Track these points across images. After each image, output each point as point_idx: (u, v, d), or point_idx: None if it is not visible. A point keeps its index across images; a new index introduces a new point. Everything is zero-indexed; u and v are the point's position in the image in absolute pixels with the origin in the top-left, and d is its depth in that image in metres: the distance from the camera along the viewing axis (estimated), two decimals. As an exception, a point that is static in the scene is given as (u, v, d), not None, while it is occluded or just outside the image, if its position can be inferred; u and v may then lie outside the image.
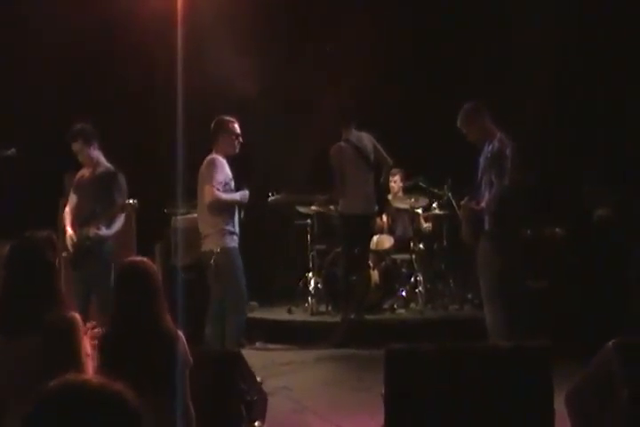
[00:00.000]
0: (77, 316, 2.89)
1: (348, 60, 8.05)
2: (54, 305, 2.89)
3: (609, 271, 6.19)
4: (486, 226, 4.94)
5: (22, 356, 2.78)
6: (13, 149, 4.95)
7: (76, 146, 5.31)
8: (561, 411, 3.43)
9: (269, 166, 7.95)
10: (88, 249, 5.12)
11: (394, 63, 8.11)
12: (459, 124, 5.11)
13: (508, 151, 4.91)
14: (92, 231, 5.12)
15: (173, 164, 5.72)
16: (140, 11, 7.07)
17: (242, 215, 5.43)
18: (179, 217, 6.67)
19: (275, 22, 7.99)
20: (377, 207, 6.89)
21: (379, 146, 6.73)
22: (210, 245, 5.26)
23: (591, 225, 6.56)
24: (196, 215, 6.67)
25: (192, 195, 5.87)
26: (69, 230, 5.21)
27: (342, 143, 6.66)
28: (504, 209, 4.91)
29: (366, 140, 6.72)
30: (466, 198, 5.15)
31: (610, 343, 3.28)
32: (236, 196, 5.34)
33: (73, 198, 5.40)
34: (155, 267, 3.02)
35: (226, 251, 5.20)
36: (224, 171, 5.30)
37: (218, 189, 5.21)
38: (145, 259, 3.03)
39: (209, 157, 5.36)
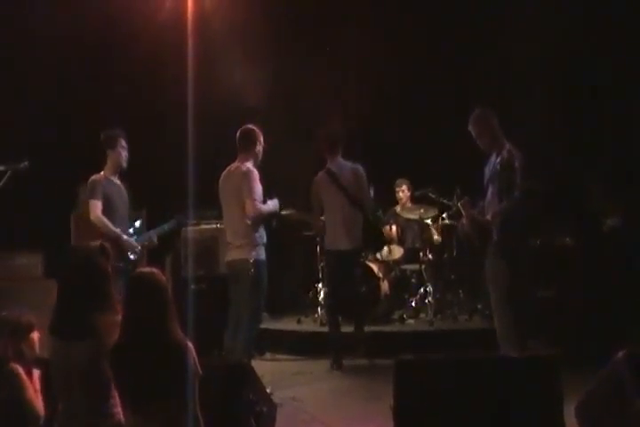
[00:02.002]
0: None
1: (360, 70, 8.09)
2: (106, 309, 3.07)
3: (619, 281, 6.16)
4: (494, 238, 4.92)
5: (77, 358, 3.00)
6: (26, 162, 4.97)
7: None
8: (571, 422, 3.41)
9: (280, 175, 7.97)
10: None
11: (405, 73, 8.13)
12: (469, 127, 5.13)
13: (516, 163, 4.90)
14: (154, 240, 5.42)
15: (184, 174, 5.75)
16: (151, 19, 7.14)
17: (274, 224, 5.45)
18: (189, 228, 6.69)
19: (285, 30, 8.03)
20: (359, 243, 6.15)
21: (363, 180, 6.13)
22: (240, 254, 5.21)
23: (601, 235, 6.54)
24: (206, 226, 6.73)
25: (202, 206, 5.89)
26: (127, 238, 5.28)
27: (321, 173, 6.22)
28: (512, 222, 4.88)
29: (348, 170, 6.14)
30: (465, 198, 5.14)
31: (621, 354, 3.27)
32: (271, 206, 5.36)
33: (117, 205, 5.39)
34: (165, 278, 3.04)
35: (258, 263, 5.17)
36: (259, 183, 5.28)
37: (260, 202, 5.21)
38: (155, 270, 3.05)
39: (244, 169, 5.27)
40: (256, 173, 5.28)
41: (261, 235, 5.26)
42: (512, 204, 4.87)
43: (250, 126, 5.42)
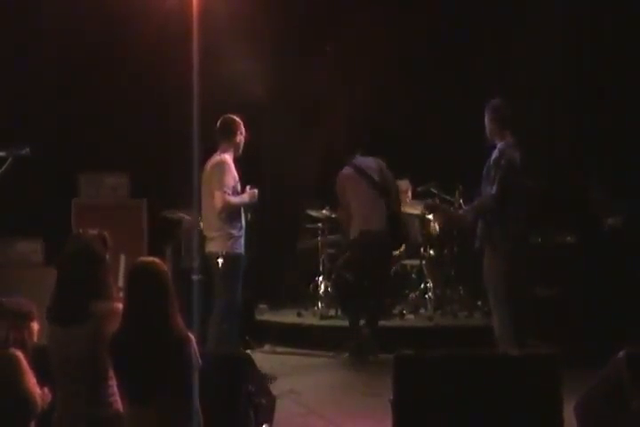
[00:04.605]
0: (119, 307, 3.01)
1: (363, 65, 8.06)
2: (104, 297, 3.08)
3: (619, 280, 6.16)
4: (492, 238, 4.90)
5: (74, 344, 3.01)
6: (27, 149, 4.95)
7: None
8: (570, 421, 3.41)
9: (281, 168, 7.96)
10: None
11: (407, 68, 8.11)
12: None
13: (503, 161, 4.85)
14: None
15: (187, 164, 5.73)
16: (155, 12, 7.09)
17: (249, 217, 5.39)
18: (192, 218, 6.65)
19: (290, 25, 7.99)
20: (385, 226, 6.22)
21: (386, 171, 6.27)
22: (214, 247, 5.21)
23: (602, 234, 6.53)
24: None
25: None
26: None
27: (345, 168, 6.28)
28: (508, 221, 4.85)
29: (371, 162, 6.27)
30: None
31: (621, 353, 3.27)
32: (245, 197, 5.27)
33: None
34: (166, 267, 3.03)
35: (229, 256, 5.14)
36: (232, 174, 5.23)
37: (228, 194, 5.15)
38: (156, 259, 3.04)
39: (217, 160, 5.25)
40: (229, 164, 5.20)
41: (235, 227, 5.18)
42: (486, 200, 4.86)
43: (233, 117, 5.35)
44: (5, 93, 6.93)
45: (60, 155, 7.08)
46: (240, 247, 5.21)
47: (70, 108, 7.35)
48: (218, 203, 5.12)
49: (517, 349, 4.63)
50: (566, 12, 7.32)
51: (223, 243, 5.16)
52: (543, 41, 7.19)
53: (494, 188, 4.81)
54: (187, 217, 6.34)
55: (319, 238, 7.47)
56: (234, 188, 5.22)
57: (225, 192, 5.11)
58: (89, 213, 6.37)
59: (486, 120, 5.06)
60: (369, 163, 6.28)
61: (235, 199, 5.19)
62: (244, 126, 5.40)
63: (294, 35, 7.99)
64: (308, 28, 8.07)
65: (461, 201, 7.09)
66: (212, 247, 5.23)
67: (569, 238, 6.76)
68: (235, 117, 5.37)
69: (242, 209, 5.29)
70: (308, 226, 7.69)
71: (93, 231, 3.32)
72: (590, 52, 7.41)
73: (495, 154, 4.90)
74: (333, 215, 7.35)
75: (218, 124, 5.36)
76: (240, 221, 5.25)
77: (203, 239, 5.41)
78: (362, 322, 6.26)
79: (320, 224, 7.50)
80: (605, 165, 7.18)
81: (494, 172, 4.85)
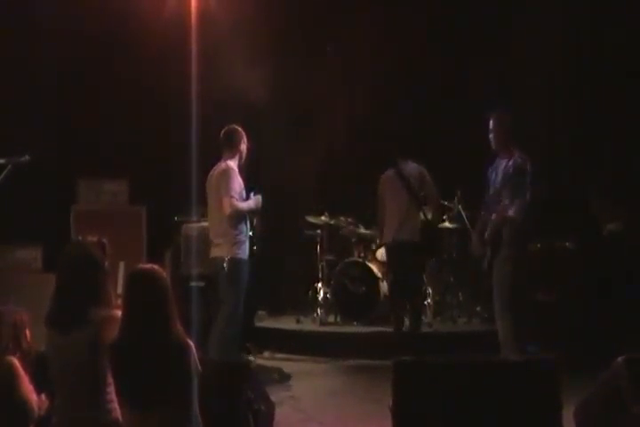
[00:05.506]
0: (118, 313, 3.01)
1: (363, 65, 8.08)
2: (103, 303, 3.09)
3: (619, 286, 6.16)
4: (507, 238, 4.97)
5: (73, 349, 3.02)
6: (27, 156, 4.96)
7: None
8: (570, 425, 3.41)
9: (281, 175, 7.96)
10: None
11: (407, 68, 8.12)
12: (490, 122, 5.20)
13: (529, 167, 5.03)
14: None
15: (186, 171, 5.75)
16: (155, 13, 7.11)
17: (254, 222, 5.44)
18: (190, 225, 6.66)
19: (290, 26, 8.01)
20: (417, 237, 6.19)
21: (429, 181, 6.27)
22: (219, 252, 5.27)
23: (602, 240, 6.54)
24: (207, 224, 6.70)
25: (204, 203, 5.90)
26: None
27: (389, 171, 6.34)
28: (524, 223, 4.97)
29: (414, 169, 6.29)
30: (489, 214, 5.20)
31: (620, 359, 3.27)
32: (251, 203, 5.36)
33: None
34: (165, 274, 3.03)
35: (234, 261, 5.19)
36: (238, 180, 5.32)
37: (236, 199, 5.23)
38: (155, 266, 3.04)
39: (222, 167, 5.34)
40: (235, 171, 5.31)
41: (240, 232, 5.25)
42: (523, 203, 4.98)
43: (234, 126, 5.47)
44: (5, 97, 6.94)
45: (60, 161, 7.09)
46: (244, 252, 5.28)
47: (70, 112, 7.36)
48: (226, 208, 5.21)
49: (519, 353, 4.65)
50: (566, 11, 7.34)
51: (228, 248, 5.22)
52: (543, 41, 7.20)
53: (528, 193, 5.01)
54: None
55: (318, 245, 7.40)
56: (240, 194, 5.31)
57: (233, 197, 5.21)
58: (88, 219, 6.38)
59: (492, 130, 5.13)
60: (412, 170, 6.27)
61: (242, 205, 5.29)
62: (244, 128, 5.49)
63: (294, 35, 8.00)
64: (309, 29, 8.08)
65: (460, 207, 7.10)
66: (217, 252, 5.30)
67: (568, 244, 6.77)
68: (238, 128, 5.47)
69: (246, 215, 5.36)
70: (307, 232, 7.69)
71: (93, 238, 3.33)
72: (590, 52, 7.42)
73: (517, 161, 5.05)
74: (332, 222, 7.38)
75: (222, 134, 5.46)
76: (245, 227, 5.33)
77: (208, 245, 5.45)
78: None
79: (319, 231, 7.50)
80: (605, 165, 7.19)
81: (523, 178, 5.02)
